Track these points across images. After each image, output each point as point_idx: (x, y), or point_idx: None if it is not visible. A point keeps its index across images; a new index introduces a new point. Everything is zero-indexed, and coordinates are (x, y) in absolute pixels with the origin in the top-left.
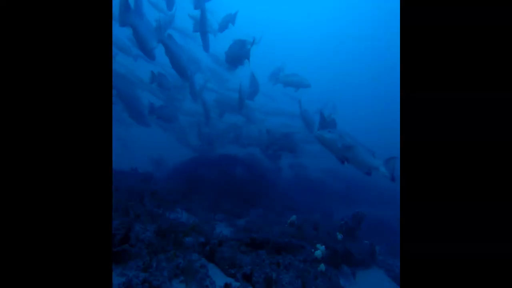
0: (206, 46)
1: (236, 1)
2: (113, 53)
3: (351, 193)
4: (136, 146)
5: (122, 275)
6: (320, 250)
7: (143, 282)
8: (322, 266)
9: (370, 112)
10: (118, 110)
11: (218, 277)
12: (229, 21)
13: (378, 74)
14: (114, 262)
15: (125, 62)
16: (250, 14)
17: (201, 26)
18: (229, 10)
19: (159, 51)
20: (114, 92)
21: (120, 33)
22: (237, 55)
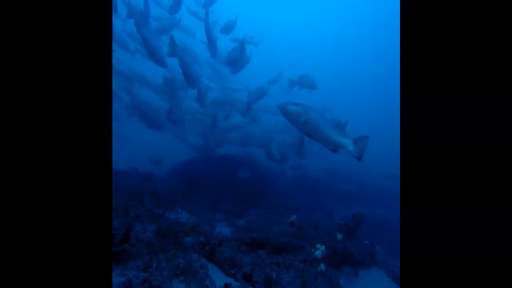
0: (213, 53)
1: (236, 0)
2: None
3: (351, 193)
4: (136, 145)
5: (122, 275)
6: (320, 250)
7: (143, 282)
8: (322, 266)
9: (370, 112)
10: (117, 108)
11: (218, 277)
12: (231, 26)
13: (378, 74)
14: (114, 262)
15: (124, 58)
16: (250, 14)
17: (208, 34)
18: (229, 10)
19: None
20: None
21: (117, 28)
22: (238, 59)
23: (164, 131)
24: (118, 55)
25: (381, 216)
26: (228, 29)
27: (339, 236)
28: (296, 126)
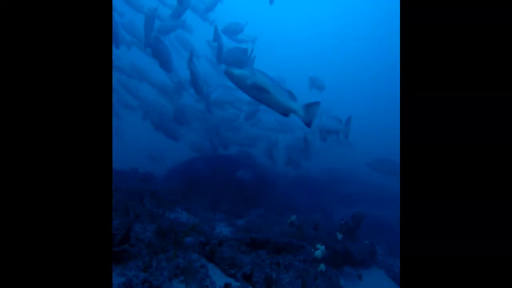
0: (219, 59)
1: (236, 0)
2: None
3: (351, 193)
4: (136, 145)
5: (122, 275)
6: (320, 250)
7: (143, 282)
8: (322, 266)
9: (370, 112)
10: (116, 106)
11: (218, 277)
12: (237, 29)
13: (378, 74)
14: (114, 262)
15: (122, 54)
16: (249, 13)
17: (219, 44)
18: (229, 9)
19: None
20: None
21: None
22: (237, 61)
23: (179, 140)
24: (116, 50)
25: (381, 216)
26: (233, 31)
27: (339, 236)
28: (244, 90)
